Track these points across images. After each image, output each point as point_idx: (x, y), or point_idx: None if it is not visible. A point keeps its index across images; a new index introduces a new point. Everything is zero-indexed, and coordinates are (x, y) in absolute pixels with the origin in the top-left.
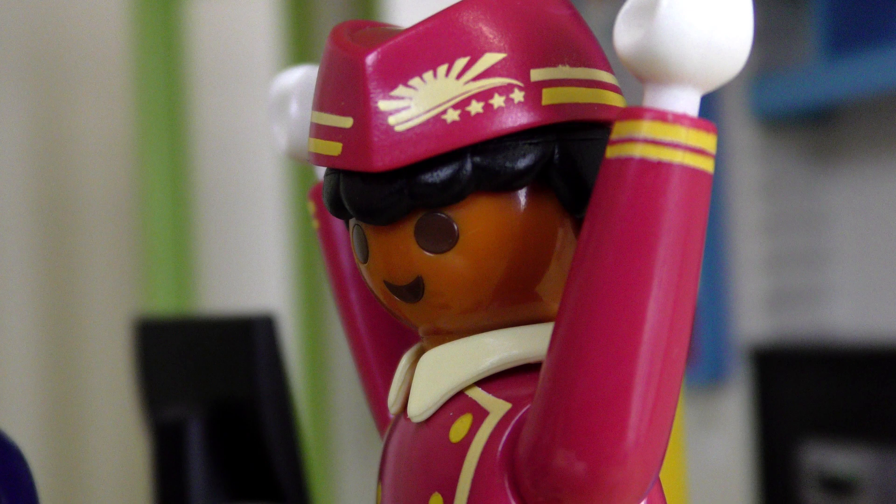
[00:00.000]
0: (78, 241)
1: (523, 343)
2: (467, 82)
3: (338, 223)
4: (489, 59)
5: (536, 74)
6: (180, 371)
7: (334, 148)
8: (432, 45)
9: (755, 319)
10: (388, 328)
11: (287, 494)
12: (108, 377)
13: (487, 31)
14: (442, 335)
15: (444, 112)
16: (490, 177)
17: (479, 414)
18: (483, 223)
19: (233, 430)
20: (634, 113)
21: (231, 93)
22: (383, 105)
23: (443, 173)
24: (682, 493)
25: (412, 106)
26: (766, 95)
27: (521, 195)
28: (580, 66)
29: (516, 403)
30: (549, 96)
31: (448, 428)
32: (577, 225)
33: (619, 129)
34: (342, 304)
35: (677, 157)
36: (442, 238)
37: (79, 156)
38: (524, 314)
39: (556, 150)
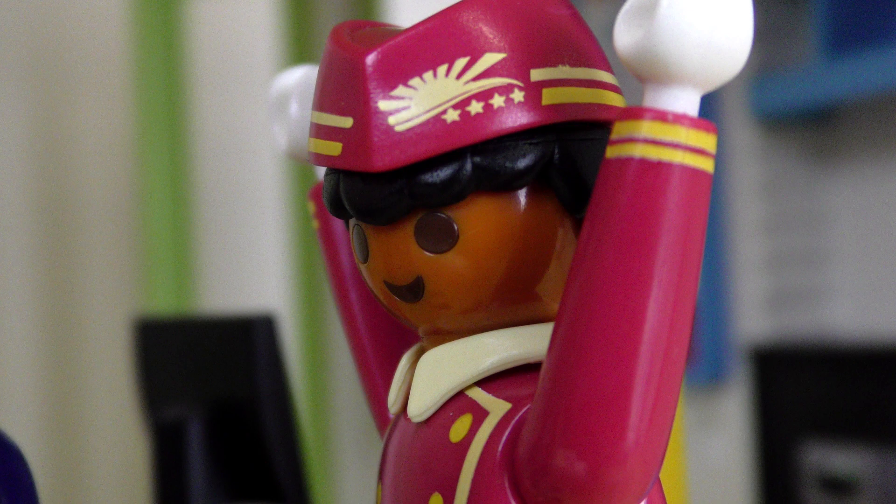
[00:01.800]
0: (78, 241)
1: (523, 343)
2: (467, 82)
3: (338, 223)
4: (489, 59)
5: (536, 74)
6: (180, 371)
7: (334, 148)
8: (432, 45)
9: (755, 319)
10: (388, 328)
11: (287, 494)
12: (108, 377)
13: (487, 31)
14: (442, 335)
15: (444, 112)
16: (490, 177)
17: (479, 414)
18: (483, 223)
19: (233, 430)
20: (634, 113)
21: (231, 93)
22: (383, 105)
23: (443, 173)
24: (682, 493)
25: (412, 106)
26: (766, 95)
27: (521, 195)
28: (580, 66)
29: (516, 403)
30: (549, 96)
31: (448, 428)
32: (577, 225)
33: (619, 129)
34: (342, 304)
35: (677, 157)
36: (442, 238)
37: (79, 156)
38: (524, 314)
39: (556, 150)
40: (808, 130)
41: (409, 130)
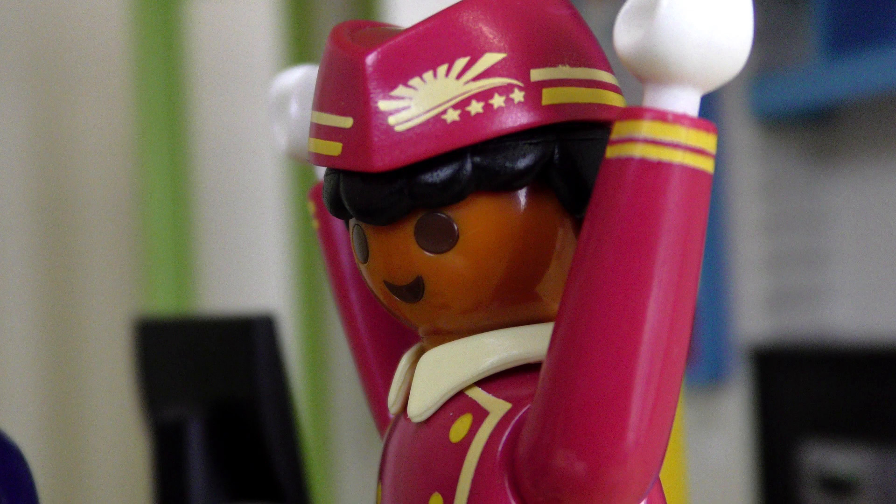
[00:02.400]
0: (78, 241)
1: (523, 343)
2: (467, 82)
3: (338, 223)
4: (489, 59)
5: (536, 74)
6: (180, 371)
7: (334, 148)
8: (432, 45)
9: (755, 319)
10: (388, 328)
11: (287, 494)
12: (108, 377)
13: (487, 31)
14: (442, 335)
15: (444, 112)
16: (490, 177)
17: (479, 414)
18: (483, 223)
19: (233, 430)
20: (634, 113)
21: (231, 93)
22: (383, 105)
23: (443, 173)
24: (682, 493)
25: (412, 106)
26: (766, 95)
27: (521, 195)
28: (580, 66)
29: (516, 403)
30: (549, 96)
31: (448, 428)
32: (577, 225)
33: (619, 129)
34: (342, 304)
35: (677, 157)
36: (442, 238)
37: (79, 156)
38: (524, 314)
39: (556, 150)
40: (808, 130)
41: (409, 130)
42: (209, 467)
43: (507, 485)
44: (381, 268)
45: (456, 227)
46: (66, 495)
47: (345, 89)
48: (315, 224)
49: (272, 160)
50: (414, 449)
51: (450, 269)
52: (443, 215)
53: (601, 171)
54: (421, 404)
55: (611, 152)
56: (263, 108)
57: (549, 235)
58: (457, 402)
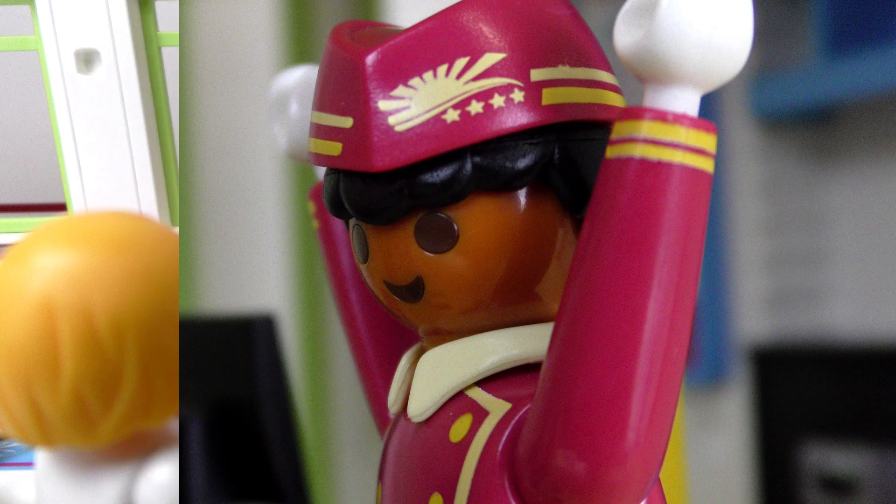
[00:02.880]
0: None
1: (523, 343)
2: (467, 82)
3: (338, 223)
4: (489, 59)
5: (536, 74)
6: (180, 371)
7: (334, 148)
8: (432, 45)
9: (755, 319)
10: (388, 328)
11: (287, 494)
12: None
13: (487, 31)
14: (442, 335)
15: (444, 112)
16: (490, 177)
17: (479, 414)
18: (483, 223)
19: (233, 430)
20: (634, 113)
21: (231, 93)
22: (383, 105)
23: (443, 173)
24: (682, 493)
25: (412, 106)
26: (766, 95)
27: (521, 195)
28: (580, 66)
29: (516, 403)
30: (549, 96)
31: (448, 428)
32: (577, 225)
33: (619, 129)
34: (342, 304)
35: (677, 157)
36: (442, 238)
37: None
38: (524, 314)
39: (556, 150)
40: (808, 130)
41: (409, 130)
42: (209, 467)
43: (507, 485)
44: (381, 268)
45: (456, 227)
46: None
47: (345, 89)
48: (315, 224)
49: (272, 160)
50: (414, 449)
51: (450, 269)
52: (443, 215)
53: (601, 171)
54: (421, 404)
55: (611, 152)
56: (263, 108)
57: (549, 235)
58: (457, 402)
